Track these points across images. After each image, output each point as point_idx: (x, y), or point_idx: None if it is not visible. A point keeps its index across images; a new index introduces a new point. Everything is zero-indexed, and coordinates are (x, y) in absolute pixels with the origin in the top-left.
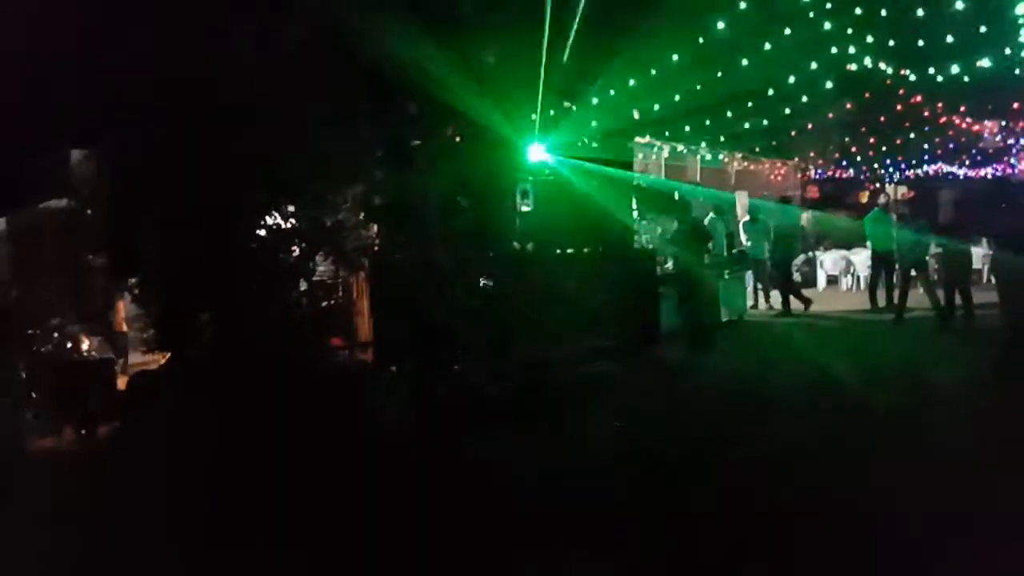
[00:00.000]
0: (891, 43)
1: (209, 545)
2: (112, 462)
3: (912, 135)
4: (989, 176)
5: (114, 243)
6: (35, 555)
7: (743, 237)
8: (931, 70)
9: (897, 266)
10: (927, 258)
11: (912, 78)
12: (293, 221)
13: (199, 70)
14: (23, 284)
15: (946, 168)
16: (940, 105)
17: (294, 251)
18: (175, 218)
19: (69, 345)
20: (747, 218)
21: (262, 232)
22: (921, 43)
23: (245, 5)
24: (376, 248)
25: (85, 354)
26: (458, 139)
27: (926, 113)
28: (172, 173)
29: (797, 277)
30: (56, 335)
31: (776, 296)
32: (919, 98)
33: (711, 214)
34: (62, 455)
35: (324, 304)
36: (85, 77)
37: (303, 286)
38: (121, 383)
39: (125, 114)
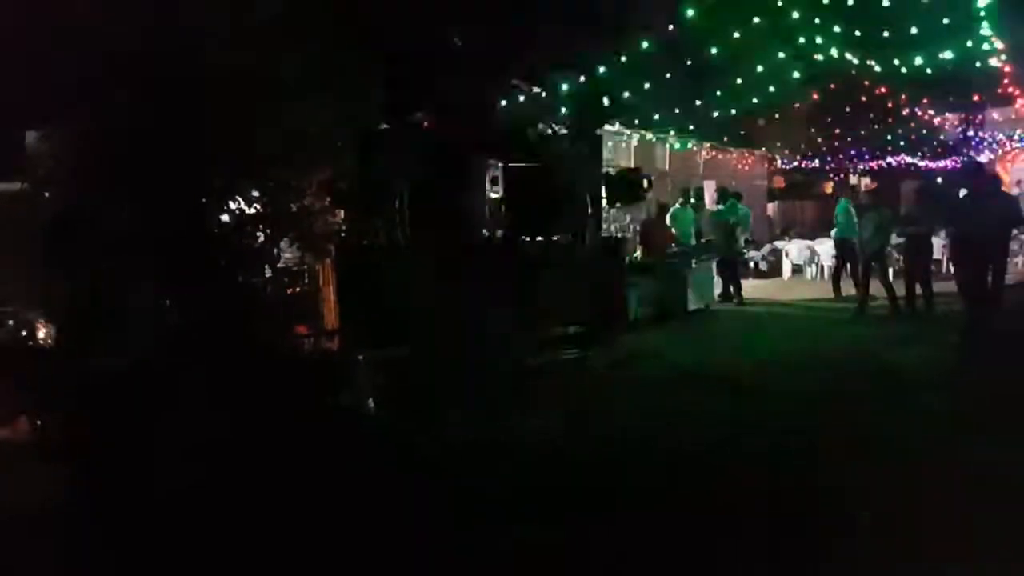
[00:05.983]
0: (857, 33)
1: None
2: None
3: (876, 126)
4: (950, 166)
5: (70, 226)
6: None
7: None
8: (895, 61)
9: (859, 255)
10: (888, 248)
11: (877, 69)
12: (258, 206)
13: (161, 45)
14: None
15: (908, 159)
16: (904, 97)
17: (258, 236)
18: (135, 200)
19: (24, 332)
20: (714, 209)
21: (224, 217)
22: (886, 33)
23: None
24: (343, 234)
25: (41, 342)
26: (427, 124)
27: (890, 104)
28: (132, 153)
29: (763, 266)
30: (11, 322)
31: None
32: (883, 89)
33: (676, 204)
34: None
35: (289, 291)
36: (43, 54)
37: (267, 272)
38: None
39: (84, 92)
